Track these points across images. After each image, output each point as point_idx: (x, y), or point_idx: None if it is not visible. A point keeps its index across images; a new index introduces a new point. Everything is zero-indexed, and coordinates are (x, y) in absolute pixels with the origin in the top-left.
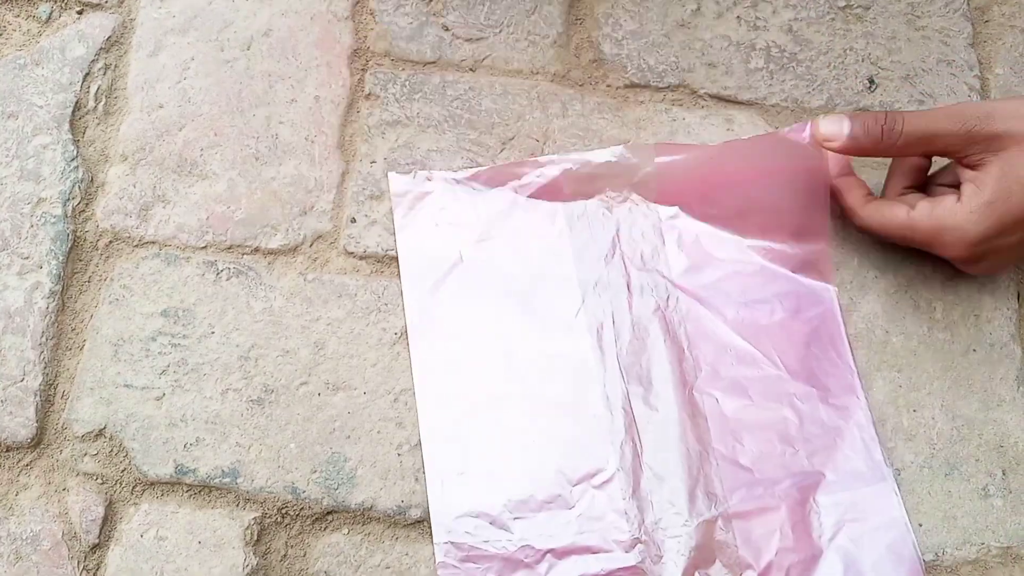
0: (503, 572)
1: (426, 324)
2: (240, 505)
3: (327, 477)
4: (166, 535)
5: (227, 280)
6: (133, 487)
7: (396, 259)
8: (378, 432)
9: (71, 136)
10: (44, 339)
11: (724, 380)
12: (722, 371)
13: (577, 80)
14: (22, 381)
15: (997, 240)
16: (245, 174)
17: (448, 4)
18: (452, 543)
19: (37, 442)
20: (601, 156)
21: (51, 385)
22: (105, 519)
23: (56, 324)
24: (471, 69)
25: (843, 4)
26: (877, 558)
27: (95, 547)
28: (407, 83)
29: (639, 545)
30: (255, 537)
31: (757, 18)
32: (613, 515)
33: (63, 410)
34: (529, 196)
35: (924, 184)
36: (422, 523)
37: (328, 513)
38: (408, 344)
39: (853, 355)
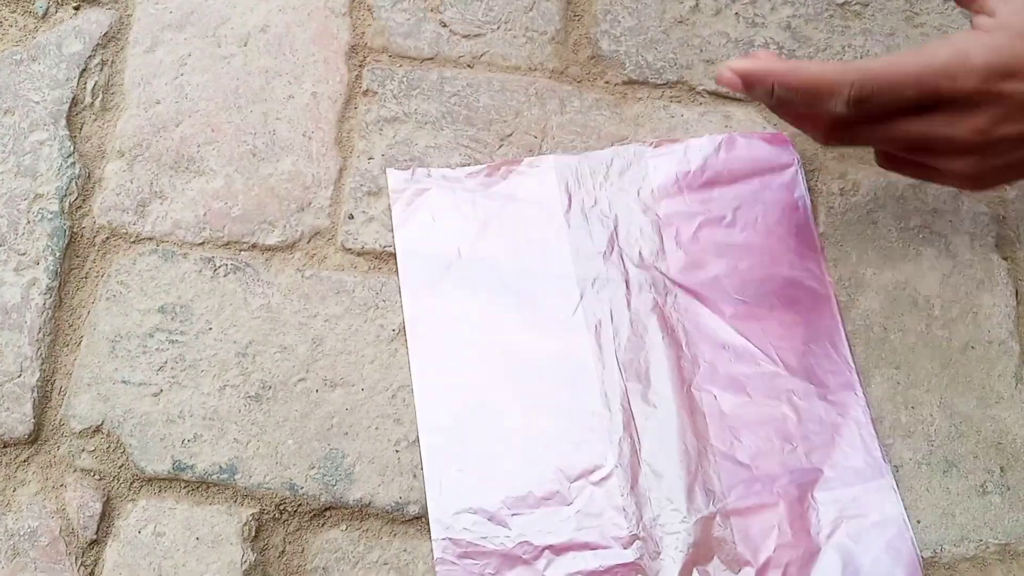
0: (501, 568)
1: (424, 320)
2: (238, 501)
3: (325, 473)
4: (164, 531)
5: (224, 276)
6: (131, 483)
7: (394, 255)
8: (376, 428)
9: (68, 132)
10: (41, 335)
11: (722, 377)
12: (720, 368)
13: (575, 76)
14: (19, 377)
15: (1012, 83)
16: (242, 170)
17: (446, 0)
18: (450, 539)
19: (34, 438)
20: (599, 156)
21: (48, 381)
22: (103, 515)
23: (53, 320)
24: (469, 65)
25: (841, 1)
26: (875, 555)
27: (93, 543)
28: (405, 79)
29: (637, 541)
30: (253, 533)
31: (755, 15)
32: (611, 511)
33: (60, 406)
34: (527, 193)
35: None
36: (420, 519)
37: (326, 509)
38: (406, 340)
39: (851, 351)
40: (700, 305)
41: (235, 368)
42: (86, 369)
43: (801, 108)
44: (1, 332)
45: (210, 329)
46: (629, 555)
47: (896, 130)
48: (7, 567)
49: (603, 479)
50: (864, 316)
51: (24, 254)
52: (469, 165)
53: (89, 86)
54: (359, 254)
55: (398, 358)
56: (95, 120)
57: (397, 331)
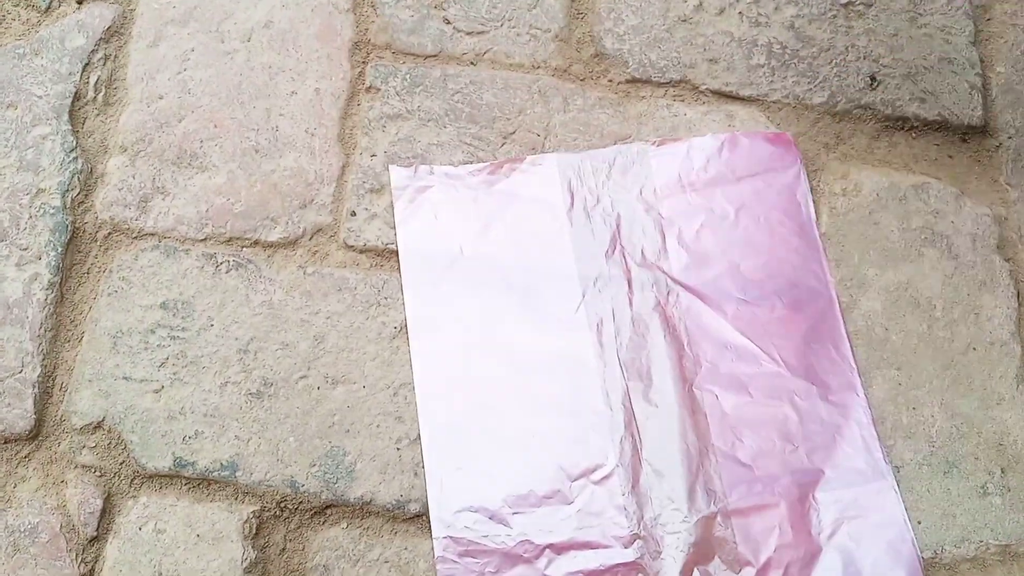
0: (502, 567)
1: (426, 318)
2: (239, 498)
3: (326, 471)
4: (164, 528)
5: (226, 273)
6: (132, 480)
7: (396, 253)
8: (377, 426)
9: (70, 127)
10: (43, 331)
11: (724, 376)
12: (722, 367)
13: (578, 75)
14: (20, 373)
15: None
16: (245, 166)
17: None
18: (451, 537)
19: (35, 434)
20: (601, 154)
21: (49, 377)
22: (103, 512)
23: (55, 316)
24: (472, 63)
25: (845, 1)
26: (876, 555)
27: (93, 540)
28: (408, 76)
29: (638, 541)
30: (254, 530)
31: (759, 14)
32: (612, 511)
33: (61, 402)
34: (529, 191)
35: None
36: (421, 517)
37: (327, 507)
38: (408, 338)
39: (853, 352)
40: (702, 304)
41: (236, 365)
42: (87, 365)
43: None
44: (2, 327)
45: (212, 326)
46: (630, 554)
47: None
48: (7, 563)
49: (604, 478)
50: (866, 316)
51: (26, 249)
52: (472, 163)
53: (92, 81)
54: (361, 251)
55: (400, 356)
56: (98, 115)
57: (399, 329)
